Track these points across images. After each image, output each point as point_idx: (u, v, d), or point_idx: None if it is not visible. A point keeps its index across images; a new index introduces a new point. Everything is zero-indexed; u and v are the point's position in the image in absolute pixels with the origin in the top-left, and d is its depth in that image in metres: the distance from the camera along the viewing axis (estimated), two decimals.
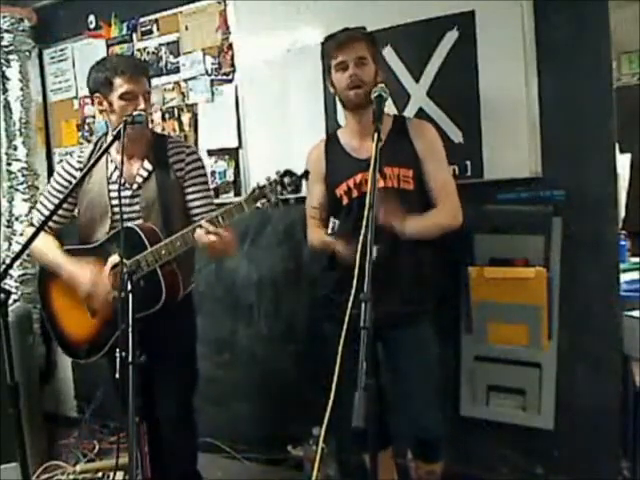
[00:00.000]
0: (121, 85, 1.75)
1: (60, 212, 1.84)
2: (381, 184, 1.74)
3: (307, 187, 1.96)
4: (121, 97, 1.75)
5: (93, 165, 1.63)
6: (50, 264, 1.85)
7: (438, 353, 1.86)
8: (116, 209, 1.79)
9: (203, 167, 1.96)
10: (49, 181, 2.02)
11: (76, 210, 1.95)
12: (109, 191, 1.84)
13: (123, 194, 1.79)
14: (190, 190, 1.89)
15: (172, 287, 1.79)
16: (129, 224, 1.77)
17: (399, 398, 1.87)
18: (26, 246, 1.60)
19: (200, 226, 1.63)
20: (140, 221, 1.83)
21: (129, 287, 1.44)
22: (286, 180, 1.51)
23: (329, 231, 1.70)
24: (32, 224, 1.97)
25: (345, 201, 1.83)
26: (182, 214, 1.89)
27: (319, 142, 1.98)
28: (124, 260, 1.56)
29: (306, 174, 1.53)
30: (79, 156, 1.94)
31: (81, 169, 1.88)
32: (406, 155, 1.80)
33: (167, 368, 1.87)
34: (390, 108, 2.05)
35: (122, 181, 1.75)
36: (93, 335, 1.86)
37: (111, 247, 1.80)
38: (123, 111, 1.73)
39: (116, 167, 1.85)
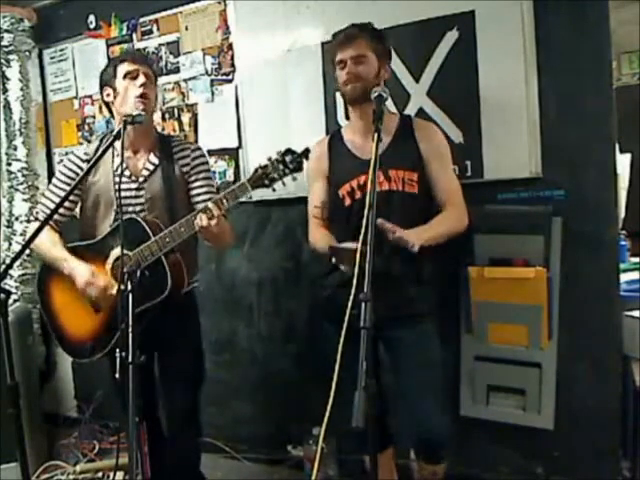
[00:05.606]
0: (123, 67, 1.85)
1: (64, 205, 1.84)
2: (386, 187, 1.76)
3: (308, 185, 1.97)
4: (124, 78, 1.84)
5: (96, 162, 1.64)
6: (53, 258, 1.85)
7: (441, 352, 1.86)
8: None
9: (207, 163, 2.01)
10: (49, 181, 2.04)
11: (77, 208, 1.96)
12: (115, 183, 1.85)
13: (129, 186, 1.85)
14: (195, 185, 1.93)
15: (178, 276, 1.79)
16: (132, 216, 1.79)
17: (403, 398, 1.85)
18: (30, 240, 1.60)
19: (204, 210, 1.64)
20: (145, 214, 1.85)
21: (129, 287, 1.44)
22: (287, 158, 1.52)
23: (333, 260, 1.60)
24: (37, 218, 1.95)
25: (347, 202, 1.82)
26: (186, 207, 1.89)
27: (322, 139, 1.98)
28: (126, 254, 1.56)
29: (306, 152, 1.53)
30: (85, 150, 1.97)
31: (88, 161, 1.91)
32: (411, 157, 1.80)
33: (174, 366, 1.88)
34: (390, 108, 2.05)
35: (128, 174, 1.82)
36: (97, 332, 1.85)
37: (113, 240, 1.81)
38: (125, 90, 1.83)
39: (122, 161, 1.88)
